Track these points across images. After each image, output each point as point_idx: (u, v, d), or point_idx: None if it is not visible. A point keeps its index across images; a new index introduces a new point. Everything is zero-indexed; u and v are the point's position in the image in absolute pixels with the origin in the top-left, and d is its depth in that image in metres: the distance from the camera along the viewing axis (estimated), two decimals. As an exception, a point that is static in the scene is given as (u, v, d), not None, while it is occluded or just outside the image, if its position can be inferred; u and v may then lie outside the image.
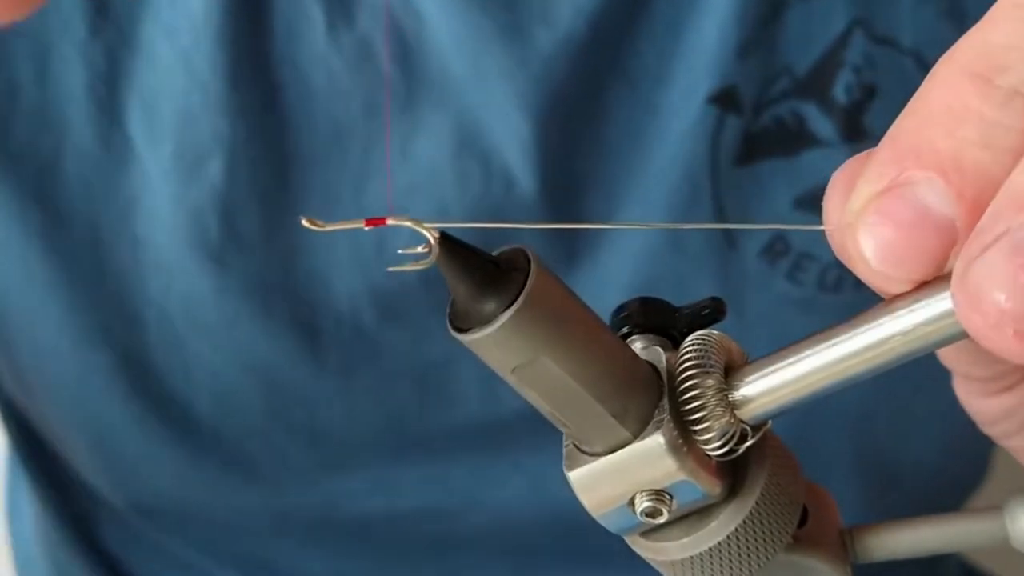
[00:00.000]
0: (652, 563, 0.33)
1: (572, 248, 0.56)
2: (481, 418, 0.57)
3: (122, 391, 0.57)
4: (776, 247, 0.55)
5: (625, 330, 0.34)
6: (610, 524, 0.32)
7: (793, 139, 0.55)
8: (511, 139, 0.53)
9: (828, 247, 0.56)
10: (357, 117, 0.53)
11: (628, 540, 0.33)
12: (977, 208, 0.26)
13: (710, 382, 0.31)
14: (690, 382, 0.31)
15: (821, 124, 0.55)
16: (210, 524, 0.62)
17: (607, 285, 0.55)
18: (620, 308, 0.34)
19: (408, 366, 0.57)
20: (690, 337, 0.32)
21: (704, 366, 0.31)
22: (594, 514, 0.32)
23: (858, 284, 0.57)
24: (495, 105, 0.53)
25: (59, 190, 0.54)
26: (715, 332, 0.32)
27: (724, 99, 0.53)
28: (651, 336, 0.33)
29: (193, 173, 0.53)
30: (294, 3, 0.52)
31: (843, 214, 0.28)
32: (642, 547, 0.33)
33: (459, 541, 0.62)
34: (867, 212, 0.27)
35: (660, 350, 0.32)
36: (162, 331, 0.55)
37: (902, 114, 0.28)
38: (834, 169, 0.56)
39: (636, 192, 0.55)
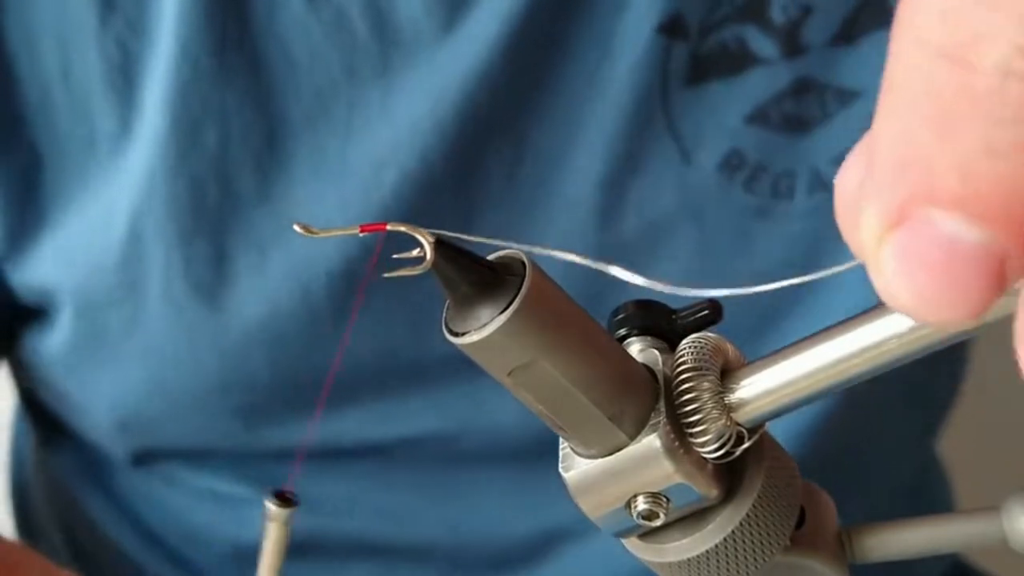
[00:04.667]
0: (650, 565, 0.33)
1: (536, 176, 0.59)
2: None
3: (132, 357, 0.61)
4: (732, 161, 0.58)
5: (622, 332, 0.34)
6: (607, 526, 0.32)
7: (737, 60, 0.58)
8: (480, 79, 0.56)
9: (781, 158, 0.59)
10: (339, 81, 0.56)
11: (626, 542, 0.33)
12: (1012, 222, 0.22)
13: (706, 385, 0.31)
14: (686, 384, 0.31)
15: (762, 44, 0.57)
16: (218, 458, 0.66)
17: (575, 209, 0.59)
18: (617, 311, 0.34)
19: (399, 306, 0.60)
20: (686, 339, 0.32)
21: (700, 368, 0.31)
22: (591, 516, 0.32)
23: (810, 189, 0.59)
24: (464, 52, 0.56)
25: (92, 171, 0.58)
26: (712, 335, 0.32)
27: (671, 27, 0.56)
28: (648, 338, 0.33)
29: (191, 142, 0.56)
30: None
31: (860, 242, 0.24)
32: (640, 549, 0.33)
33: (458, 460, 0.65)
34: (885, 257, 0.23)
35: (657, 352, 0.32)
36: (165, 300, 0.59)
37: (882, 113, 0.23)
38: (778, 84, 0.58)
39: (592, 118, 0.58)
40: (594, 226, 0.59)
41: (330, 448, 0.64)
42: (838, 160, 0.59)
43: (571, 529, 0.65)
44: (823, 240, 0.60)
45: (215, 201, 0.57)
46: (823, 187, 0.59)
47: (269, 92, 0.56)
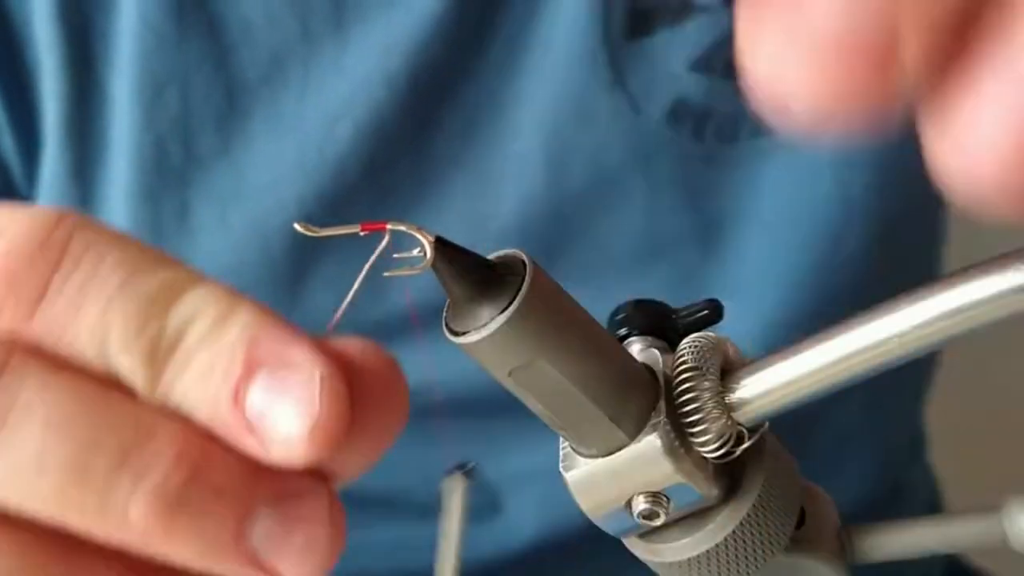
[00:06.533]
0: (650, 564, 0.33)
1: (486, 133, 0.60)
2: (429, 303, 0.61)
3: None
4: (679, 109, 0.60)
5: (623, 332, 0.34)
6: (607, 526, 0.32)
7: (678, 10, 0.59)
8: (427, 37, 0.58)
9: (725, 102, 0.60)
10: (294, 41, 0.59)
11: (626, 542, 0.33)
12: None
13: (707, 384, 0.31)
14: (687, 384, 0.31)
15: None
16: None
17: (526, 164, 0.60)
18: (617, 311, 0.34)
19: (356, 261, 0.62)
20: (687, 339, 0.32)
21: (701, 368, 0.31)
22: (591, 516, 0.32)
23: (752, 133, 0.61)
24: (413, 10, 0.58)
25: (56, 130, 0.61)
26: (712, 334, 0.32)
27: None
28: (648, 338, 0.33)
29: (153, 104, 0.59)
30: None
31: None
32: (640, 549, 0.33)
33: (426, 413, 0.66)
34: None
35: (657, 352, 0.32)
36: None
37: None
38: (719, 31, 0.59)
39: (541, 74, 0.59)
40: (544, 180, 0.60)
41: None
42: None
43: (533, 473, 0.67)
44: (763, 185, 0.62)
45: (178, 159, 0.60)
46: (765, 133, 0.61)
47: (227, 53, 0.59)
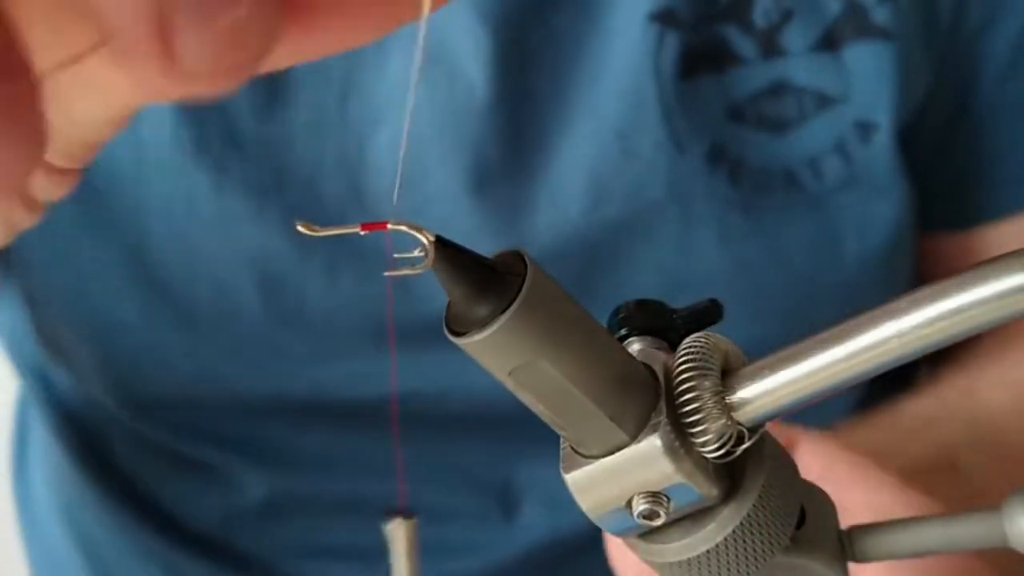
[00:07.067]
0: (650, 564, 0.33)
1: (527, 158, 0.60)
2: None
3: (128, 284, 0.63)
4: (717, 155, 0.61)
5: (623, 332, 0.34)
6: (607, 526, 0.32)
7: (720, 58, 0.61)
8: (472, 51, 0.58)
9: (758, 156, 0.62)
10: None
11: (626, 542, 0.33)
12: None
13: (707, 384, 0.31)
14: (687, 384, 0.31)
15: (743, 44, 0.60)
16: (207, 411, 0.68)
17: (564, 192, 0.60)
18: (617, 310, 0.34)
19: (387, 263, 0.63)
20: (687, 339, 0.32)
21: (701, 368, 0.31)
22: (591, 516, 0.32)
23: (785, 188, 0.62)
24: (458, 21, 0.58)
25: None
26: (712, 334, 0.32)
27: (663, 16, 0.59)
28: (649, 338, 0.33)
29: None
30: None
31: None
32: (640, 549, 0.33)
33: (438, 424, 0.67)
34: None
35: (657, 352, 0.32)
36: (165, 226, 0.61)
37: None
38: (755, 84, 0.61)
39: (588, 104, 0.60)
40: (581, 208, 0.61)
41: (313, 403, 0.66)
42: (811, 162, 0.61)
43: (544, 478, 0.68)
44: (796, 239, 0.62)
45: (216, 142, 0.60)
46: (796, 187, 0.62)
47: None
